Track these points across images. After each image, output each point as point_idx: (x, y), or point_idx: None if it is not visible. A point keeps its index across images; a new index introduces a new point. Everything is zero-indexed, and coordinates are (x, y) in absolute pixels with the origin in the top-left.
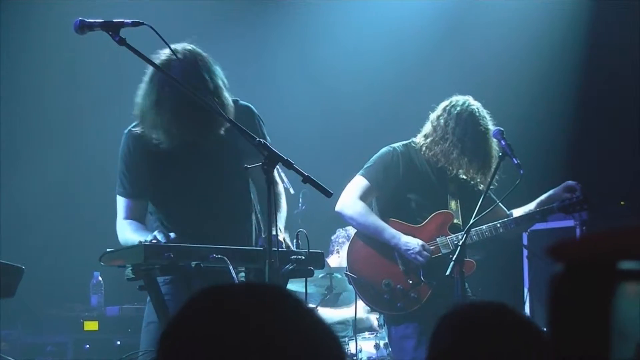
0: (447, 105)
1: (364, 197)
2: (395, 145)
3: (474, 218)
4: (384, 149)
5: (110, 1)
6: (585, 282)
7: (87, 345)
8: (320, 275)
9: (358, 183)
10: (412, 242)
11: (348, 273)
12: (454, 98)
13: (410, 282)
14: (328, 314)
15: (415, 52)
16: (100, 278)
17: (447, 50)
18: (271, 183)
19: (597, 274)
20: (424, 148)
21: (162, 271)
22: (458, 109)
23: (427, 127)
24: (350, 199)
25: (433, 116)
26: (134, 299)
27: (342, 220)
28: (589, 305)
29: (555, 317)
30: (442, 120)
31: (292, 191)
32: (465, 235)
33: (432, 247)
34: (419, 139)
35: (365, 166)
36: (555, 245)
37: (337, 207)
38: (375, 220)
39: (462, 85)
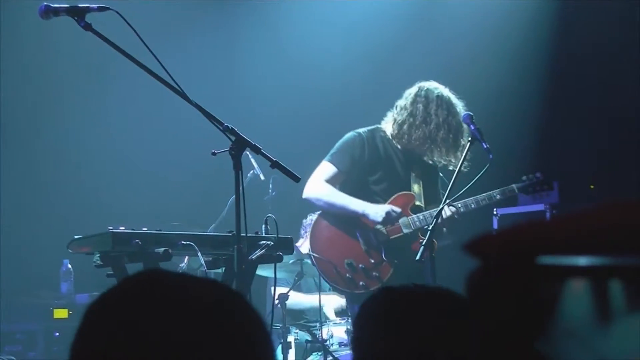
0: (419, 90)
1: (330, 181)
2: (361, 130)
3: (444, 202)
4: (349, 134)
5: None
6: (502, 277)
7: (57, 333)
8: (291, 261)
9: (324, 168)
10: (379, 207)
11: (311, 253)
12: (422, 84)
13: (372, 261)
14: (299, 299)
15: (389, 32)
16: (69, 265)
17: (421, 29)
18: (239, 168)
19: (514, 269)
20: (396, 134)
21: (130, 258)
22: (436, 92)
23: (401, 114)
24: (316, 183)
25: (405, 103)
26: (104, 286)
27: (313, 206)
28: (508, 301)
29: (474, 313)
30: (420, 105)
31: (262, 177)
32: (435, 219)
33: (394, 227)
34: (387, 126)
35: (331, 152)
36: (472, 241)
37: (304, 194)
38: (341, 196)
39: (435, 63)
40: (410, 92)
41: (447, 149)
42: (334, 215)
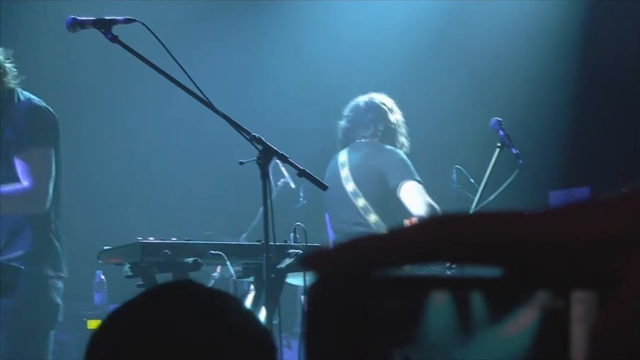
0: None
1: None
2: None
3: (474, 209)
4: (401, 152)
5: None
6: (334, 293)
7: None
8: None
9: (422, 189)
10: None
11: None
12: (374, 95)
13: None
14: None
15: (414, 45)
16: (102, 276)
17: (447, 42)
18: (266, 178)
19: (346, 284)
20: None
21: (159, 268)
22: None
23: (398, 133)
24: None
25: (389, 117)
26: None
27: None
28: (340, 318)
29: (308, 331)
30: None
31: (292, 185)
32: None
33: None
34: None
35: (411, 172)
36: (307, 256)
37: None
38: None
39: (461, 78)
40: (381, 107)
41: None
42: None
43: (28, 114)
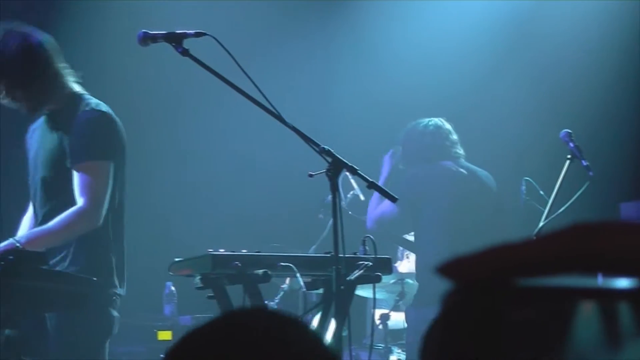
0: None
1: None
2: None
3: (544, 220)
4: None
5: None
6: (475, 301)
7: (162, 355)
8: (392, 281)
9: None
10: None
11: None
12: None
13: None
14: (400, 319)
15: (485, 57)
16: (172, 288)
17: (518, 53)
18: (336, 190)
19: (488, 292)
20: None
21: (229, 280)
22: None
23: None
24: None
25: None
26: (207, 308)
27: None
28: (478, 326)
29: (443, 338)
30: None
31: (362, 197)
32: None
33: None
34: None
35: None
36: (447, 263)
37: None
38: None
39: (531, 90)
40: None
41: None
42: None
43: (89, 125)
